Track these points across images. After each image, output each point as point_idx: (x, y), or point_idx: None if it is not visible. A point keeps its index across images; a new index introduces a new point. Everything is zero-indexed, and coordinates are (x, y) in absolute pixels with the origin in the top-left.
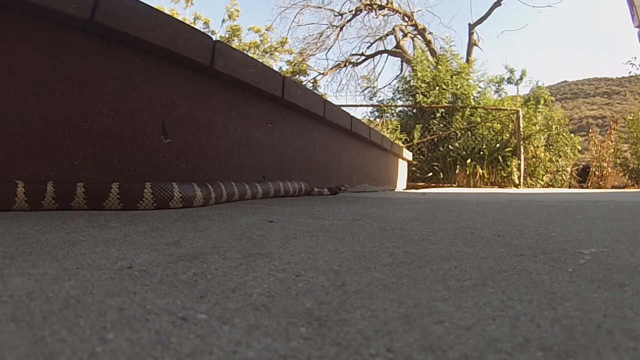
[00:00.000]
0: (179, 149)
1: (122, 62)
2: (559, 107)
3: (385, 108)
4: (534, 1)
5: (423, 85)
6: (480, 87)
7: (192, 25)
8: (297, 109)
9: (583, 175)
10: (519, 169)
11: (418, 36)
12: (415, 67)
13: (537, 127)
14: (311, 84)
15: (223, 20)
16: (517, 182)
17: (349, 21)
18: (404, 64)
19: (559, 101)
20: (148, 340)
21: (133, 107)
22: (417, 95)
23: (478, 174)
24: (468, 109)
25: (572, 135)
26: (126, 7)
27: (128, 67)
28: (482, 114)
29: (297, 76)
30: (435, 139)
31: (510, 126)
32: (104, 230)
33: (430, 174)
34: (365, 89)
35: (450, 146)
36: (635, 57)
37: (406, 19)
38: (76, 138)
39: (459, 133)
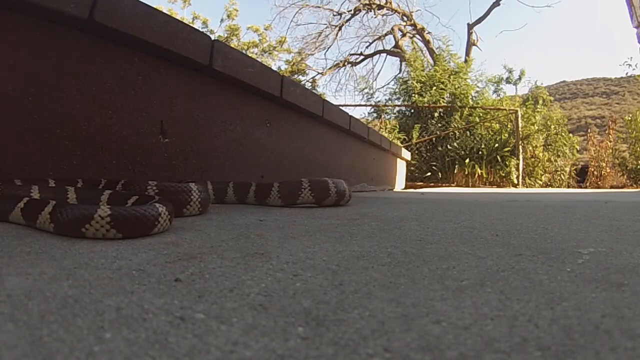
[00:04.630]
0: (177, 148)
1: (120, 61)
2: (558, 107)
3: (384, 108)
4: (532, 1)
5: (418, 85)
6: (478, 86)
7: (191, 24)
8: (295, 109)
9: (582, 175)
10: (517, 169)
11: (417, 36)
12: (409, 67)
13: (536, 127)
14: (310, 84)
15: (222, 20)
16: (515, 181)
17: (347, 21)
18: (403, 64)
19: (558, 101)
20: (145, 340)
21: (131, 106)
22: (414, 95)
23: (477, 174)
24: (466, 108)
25: (570, 135)
26: (125, 6)
27: (127, 67)
28: (481, 114)
29: (295, 76)
30: (434, 138)
31: (509, 126)
32: None
33: (429, 173)
34: (363, 89)
35: (448, 146)
36: (632, 58)
37: (405, 18)
38: (75, 137)
39: (457, 133)
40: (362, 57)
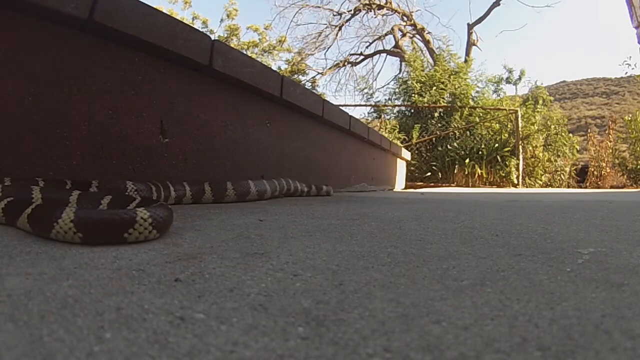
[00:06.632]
0: (177, 148)
1: (120, 61)
2: (558, 107)
3: (384, 108)
4: (532, 1)
5: (418, 85)
6: (478, 87)
7: (191, 24)
8: (295, 109)
9: (582, 175)
10: (517, 169)
11: (417, 36)
12: (409, 68)
13: (536, 127)
14: (310, 84)
15: (221, 20)
16: (515, 181)
17: (347, 21)
18: (403, 64)
19: (558, 101)
20: (145, 340)
21: (132, 106)
22: (413, 95)
23: (477, 174)
24: (466, 108)
25: (570, 135)
26: (125, 6)
27: (127, 67)
28: (481, 114)
29: (295, 76)
30: (434, 138)
31: (509, 126)
32: None
33: (429, 173)
34: (363, 89)
35: (448, 146)
36: (631, 57)
37: (405, 18)
38: (74, 138)
39: (457, 133)
40: (362, 57)
